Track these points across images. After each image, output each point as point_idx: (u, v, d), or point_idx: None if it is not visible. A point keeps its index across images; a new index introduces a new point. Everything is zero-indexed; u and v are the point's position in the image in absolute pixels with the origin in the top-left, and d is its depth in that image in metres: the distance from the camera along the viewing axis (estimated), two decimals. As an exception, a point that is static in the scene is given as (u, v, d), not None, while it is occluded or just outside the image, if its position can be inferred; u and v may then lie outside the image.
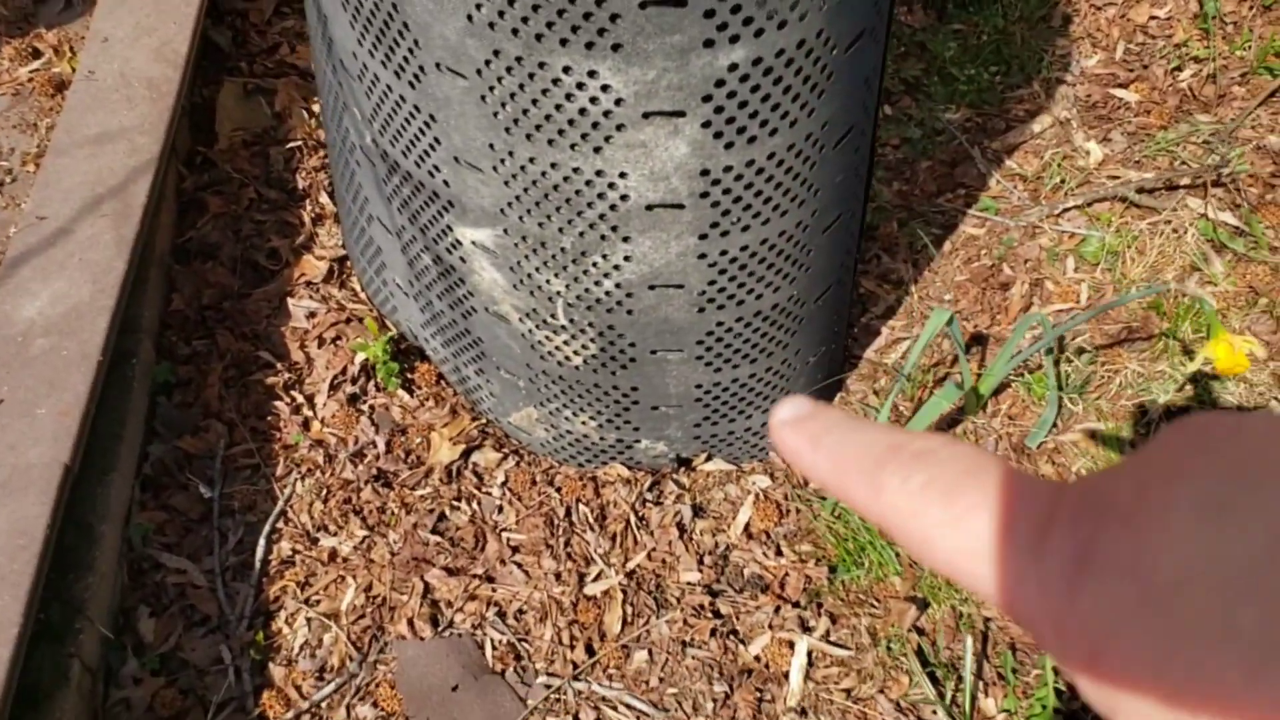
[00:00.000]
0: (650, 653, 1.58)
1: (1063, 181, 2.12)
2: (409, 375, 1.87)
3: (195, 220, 2.04)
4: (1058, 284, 1.96)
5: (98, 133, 1.83)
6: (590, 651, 1.58)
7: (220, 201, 2.06)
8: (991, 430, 1.77)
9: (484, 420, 1.82)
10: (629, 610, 1.61)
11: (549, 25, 1.09)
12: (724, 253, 1.35)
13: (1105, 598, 0.22)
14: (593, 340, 1.50)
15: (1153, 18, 2.40)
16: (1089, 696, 0.23)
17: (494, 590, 1.64)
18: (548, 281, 1.42)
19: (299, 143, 2.17)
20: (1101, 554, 0.22)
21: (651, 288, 1.39)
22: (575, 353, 1.53)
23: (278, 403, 1.81)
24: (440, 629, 1.60)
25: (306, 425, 1.80)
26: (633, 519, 1.69)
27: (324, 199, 2.09)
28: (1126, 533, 0.22)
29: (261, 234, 2.03)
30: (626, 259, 1.35)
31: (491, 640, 1.59)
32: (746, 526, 1.69)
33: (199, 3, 2.06)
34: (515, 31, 1.11)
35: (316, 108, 2.24)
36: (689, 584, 1.63)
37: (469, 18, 1.13)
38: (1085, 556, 0.22)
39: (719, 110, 1.18)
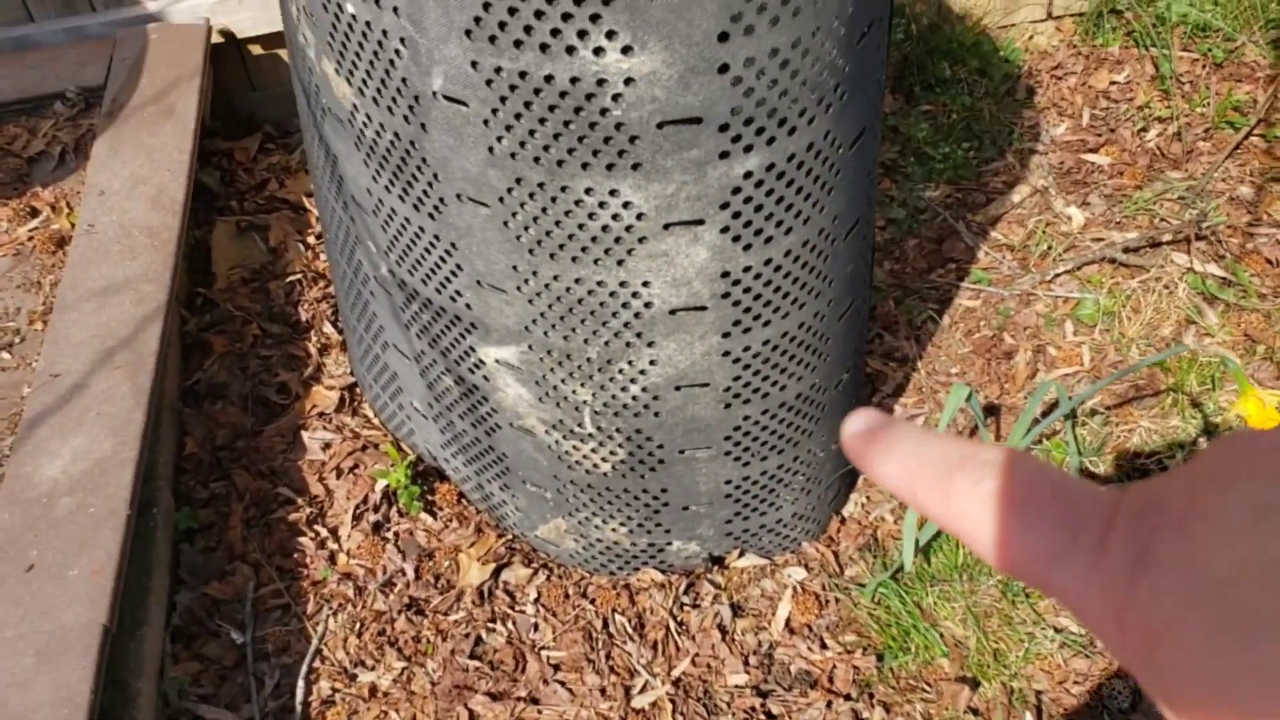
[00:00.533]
0: (705, 759, 1.55)
1: (1049, 248, 2.17)
2: (430, 497, 1.86)
3: (201, 362, 2.04)
4: (1060, 348, 2.00)
5: (103, 285, 1.84)
6: (644, 764, 1.55)
7: (224, 341, 2.07)
8: (1016, 499, 1.78)
9: (510, 536, 1.81)
10: None
11: (570, 151, 1.12)
12: (747, 348, 1.37)
13: (1162, 592, 0.23)
14: (621, 445, 1.50)
15: (1113, 83, 2.49)
16: (1147, 687, 0.24)
17: (540, 712, 1.61)
18: (574, 392, 1.43)
19: (298, 275, 2.19)
20: (1158, 553, 0.23)
21: (678, 388, 1.40)
22: (603, 459, 1.53)
23: (302, 539, 1.80)
24: (489, 755, 1.57)
25: (333, 559, 1.78)
26: (672, 624, 1.68)
27: (328, 328, 2.10)
28: (1181, 534, 0.23)
29: (269, 369, 2.04)
30: (652, 363, 1.37)
31: (542, 762, 1.56)
32: (788, 621, 1.68)
33: (190, 148, 2.10)
34: (537, 159, 1.14)
35: (312, 239, 2.27)
36: (737, 687, 1.62)
37: (490, 150, 1.15)
38: (1143, 556, 0.24)
39: (736, 215, 1.21)
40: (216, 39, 2.41)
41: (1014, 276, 2.13)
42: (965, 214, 2.28)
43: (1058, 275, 2.11)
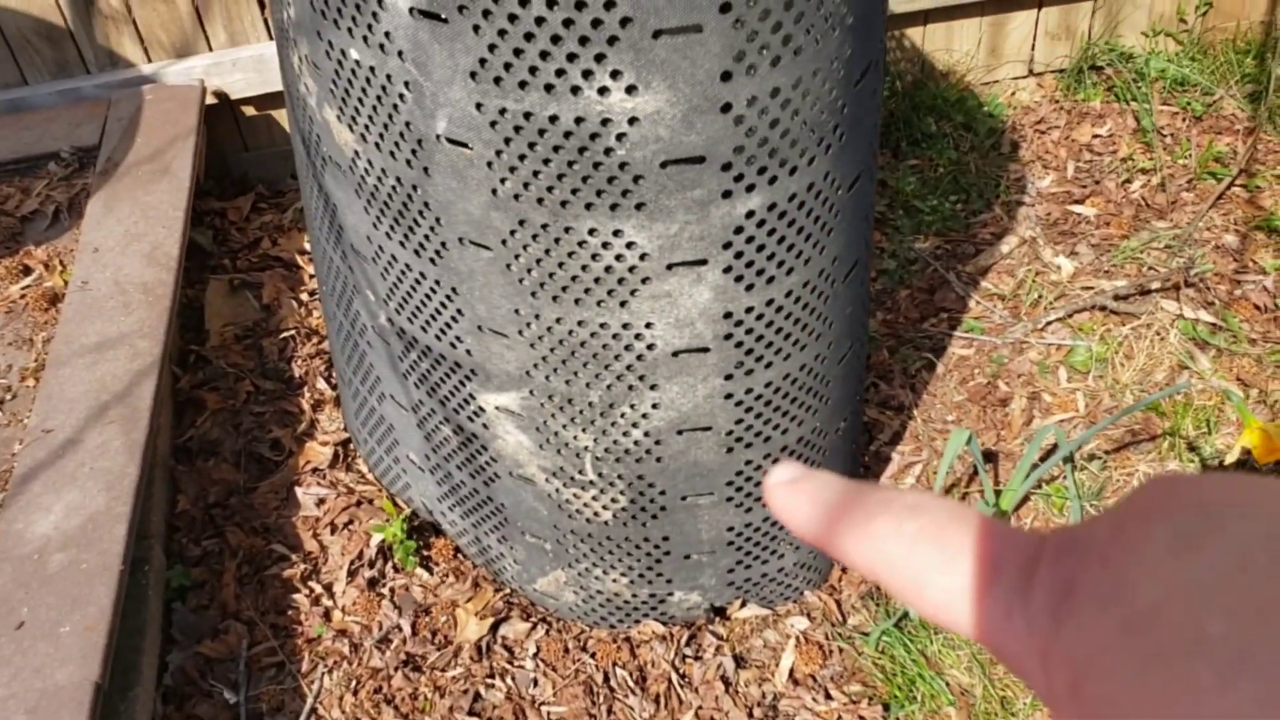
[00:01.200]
0: (711, 814, 1.52)
1: (1040, 296, 2.19)
2: (426, 552, 1.84)
3: (194, 419, 2.02)
4: (1054, 395, 2.00)
5: (97, 341, 1.83)
6: (648, 820, 1.52)
7: (217, 397, 2.06)
8: (1017, 545, 1.77)
9: (508, 590, 1.79)
10: (683, 772, 1.56)
11: (574, 192, 1.13)
12: (749, 391, 1.37)
13: (1087, 627, 0.23)
14: (622, 493, 1.49)
15: (1096, 136, 2.53)
16: None
17: (540, 767, 1.58)
18: (575, 438, 1.42)
19: (291, 332, 2.18)
20: (1083, 589, 0.23)
21: (680, 432, 1.40)
22: (604, 507, 1.52)
23: (296, 595, 1.77)
24: (489, 815, 1.53)
25: (328, 616, 1.75)
26: (674, 677, 1.65)
27: (322, 384, 2.09)
28: (1106, 569, 0.23)
29: (262, 426, 2.02)
30: (655, 406, 1.36)
31: (544, 821, 1.52)
32: (791, 672, 1.65)
33: (186, 204, 2.10)
34: (540, 201, 1.15)
35: (305, 296, 2.27)
36: (741, 737, 1.59)
37: (493, 192, 1.16)
38: (1068, 592, 0.23)
39: (739, 255, 1.21)
40: (211, 100, 2.43)
41: (1006, 325, 2.15)
42: (955, 264, 2.30)
43: (1049, 323, 2.12)
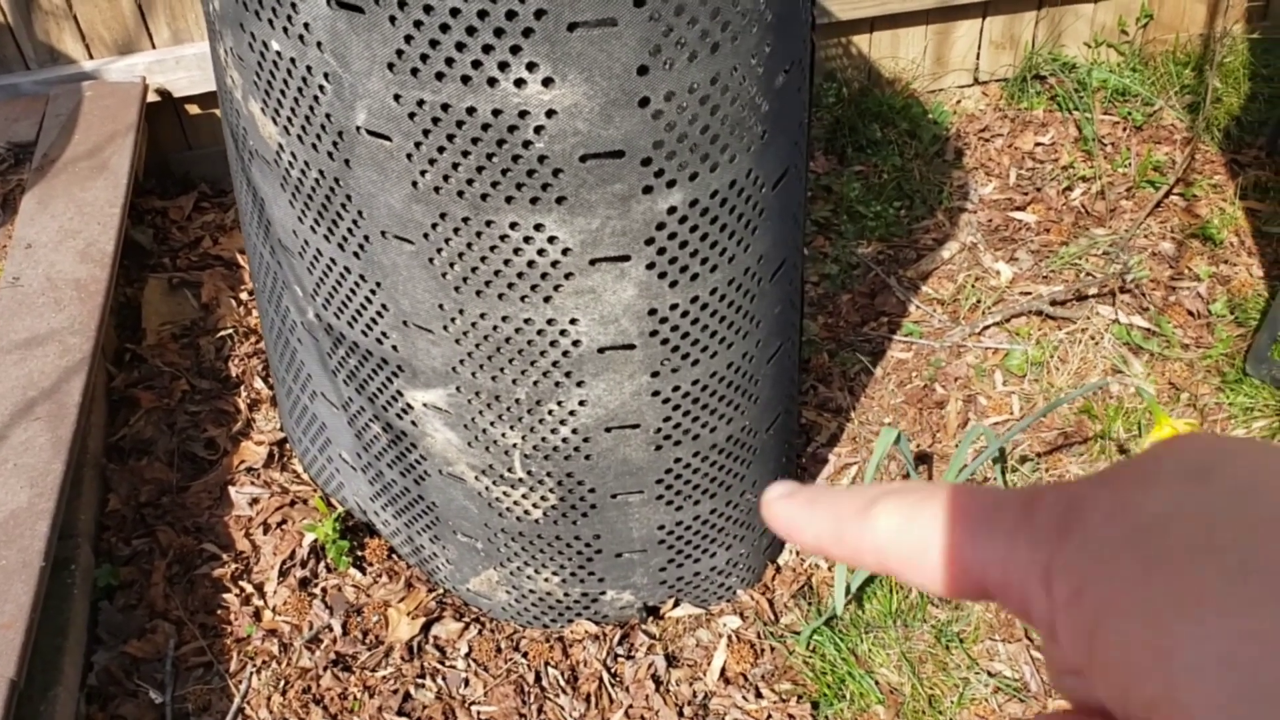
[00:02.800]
0: (639, 814, 1.51)
1: (979, 301, 2.21)
2: (359, 552, 1.83)
3: (128, 417, 2.00)
4: (990, 398, 2.02)
5: (26, 337, 1.80)
6: (577, 820, 1.51)
7: (152, 396, 2.03)
8: (950, 546, 1.78)
9: (441, 590, 1.78)
10: (612, 771, 1.55)
11: (494, 185, 1.13)
12: (677, 388, 1.37)
13: (1092, 538, 0.23)
14: (552, 490, 1.49)
15: (1038, 144, 2.56)
16: (1065, 644, 0.23)
17: (469, 767, 1.57)
18: (503, 435, 1.42)
19: (229, 331, 2.16)
20: (1089, 505, 0.23)
21: (608, 430, 1.40)
22: (534, 505, 1.52)
23: (226, 595, 1.75)
24: (417, 815, 1.52)
25: (258, 615, 1.73)
26: (605, 677, 1.65)
27: (258, 383, 2.07)
28: (1114, 490, 0.23)
29: (197, 425, 2.00)
30: (581, 404, 1.36)
31: (472, 821, 1.51)
32: (723, 671, 1.66)
33: (123, 202, 2.08)
34: (461, 194, 1.15)
35: (244, 295, 2.25)
36: (671, 736, 1.59)
37: (414, 184, 1.16)
38: (1073, 509, 0.23)
39: (661, 251, 1.21)
40: (153, 98, 2.41)
41: (945, 329, 2.17)
42: (897, 269, 2.32)
43: (987, 327, 2.14)
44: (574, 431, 1.40)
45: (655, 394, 1.37)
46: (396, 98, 1.09)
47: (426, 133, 1.10)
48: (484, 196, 1.14)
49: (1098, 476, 0.24)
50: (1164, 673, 0.21)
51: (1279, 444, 0.24)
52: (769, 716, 1.60)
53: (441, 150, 1.11)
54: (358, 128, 1.14)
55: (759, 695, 1.63)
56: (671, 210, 1.18)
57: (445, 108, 1.08)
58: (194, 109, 2.52)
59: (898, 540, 0.26)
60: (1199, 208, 2.38)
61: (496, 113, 1.07)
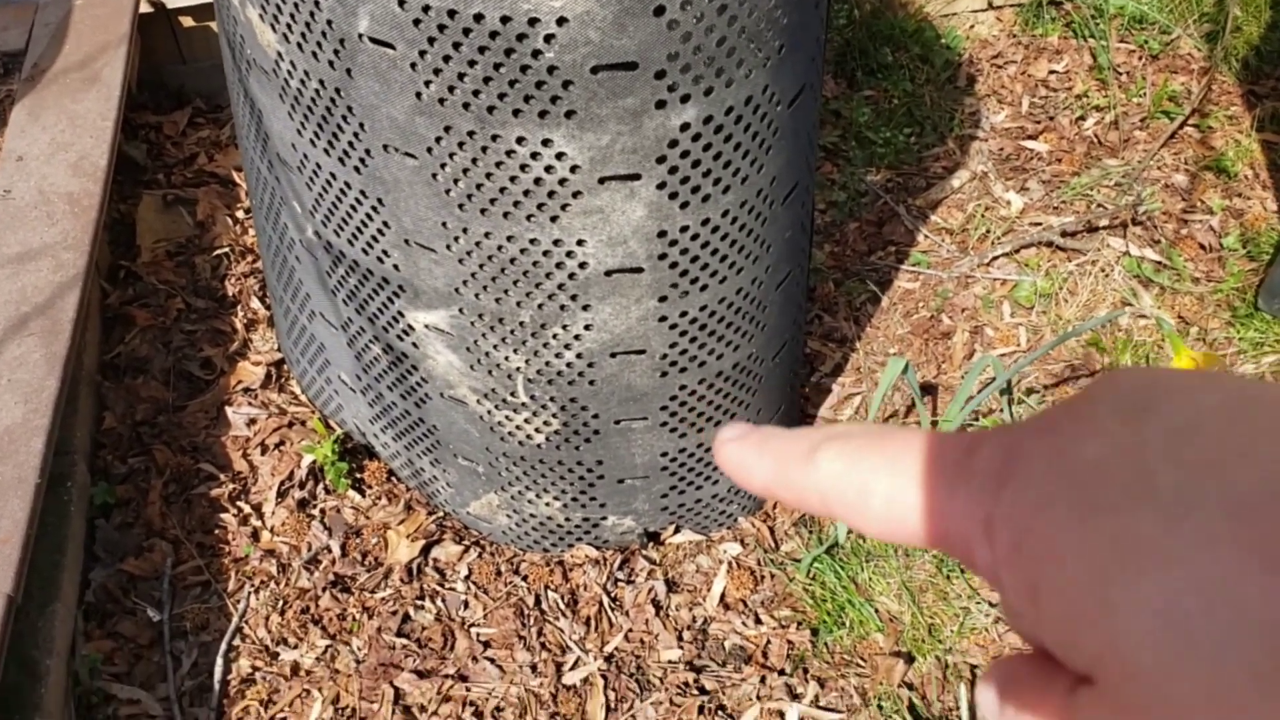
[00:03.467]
0: (638, 737, 1.52)
1: (988, 231, 2.17)
2: (358, 475, 1.81)
3: (123, 335, 1.97)
4: (997, 329, 2.00)
5: (19, 251, 1.77)
6: (575, 742, 1.52)
7: (147, 314, 2.00)
8: (953, 477, 1.77)
9: (441, 514, 1.77)
10: (611, 696, 1.56)
11: (501, 97, 1.09)
12: (684, 314, 1.35)
13: (1030, 486, 0.22)
14: (555, 415, 1.47)
15: (1052, 72, 2.51)
16: (1010, 596, 0.23)
17: (468, 689, 1.57)
18: (506, 359, 1.39)
19: (225, 249, 2.13)
20: (1026, 454, 0.23)
21: (613, 355, 1.37)
22: (537, 430, 1.50)
23: (224, 515, 1.74)
24: (416, 735, 1.52)
25: (256, 536, 1.72)
26: (605, 601, 1.65)
27: (255, 304, 2.04)
28: (1050, 436, 0.23)
29: (193, 344, 1.97)
30: (587, 328, 1.33)
31: (471, 741, 1.52)
32: (722, 597, 1.65)
33: (115, 115, 2.02)
34: (466, 105, 1.10)
35: (241, 213, 2.21)
36: (670, 662, 1.59)
37: (418, 95, 1.12)
38: (1010, 459, 0.23)
39: (673, 170, 1.18)
40: (146, 9, 2.34)
41: (953, 259, 2.13)
42: (906, 198, 2.28)
43: (996, 258, 2.11)
44: (579, 356, 1.38)
45: (662, 319, 1.34)
46: (401, 3, 1.04)
47: (432, 40, 1.06)
48: (490, 109, 1.10)
49: (1036, 420, 0.24)
50: (1106, 627, 0.20)
51: (1217, 375, 0.23)
52: (768, 642, 1.60)
53: (447, 59, 1.07)
54: (360, 35, 1.10)
55: (758, 621, 1.63)
56: (685, 127, 1.14)
57: (451, 14, 1.03)
58: (188, 20, 2.45)
59: (839, 485, 0.26)
60: (1214, 139, 2.34)
61: (505, 20, 1.02)
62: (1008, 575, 0.23)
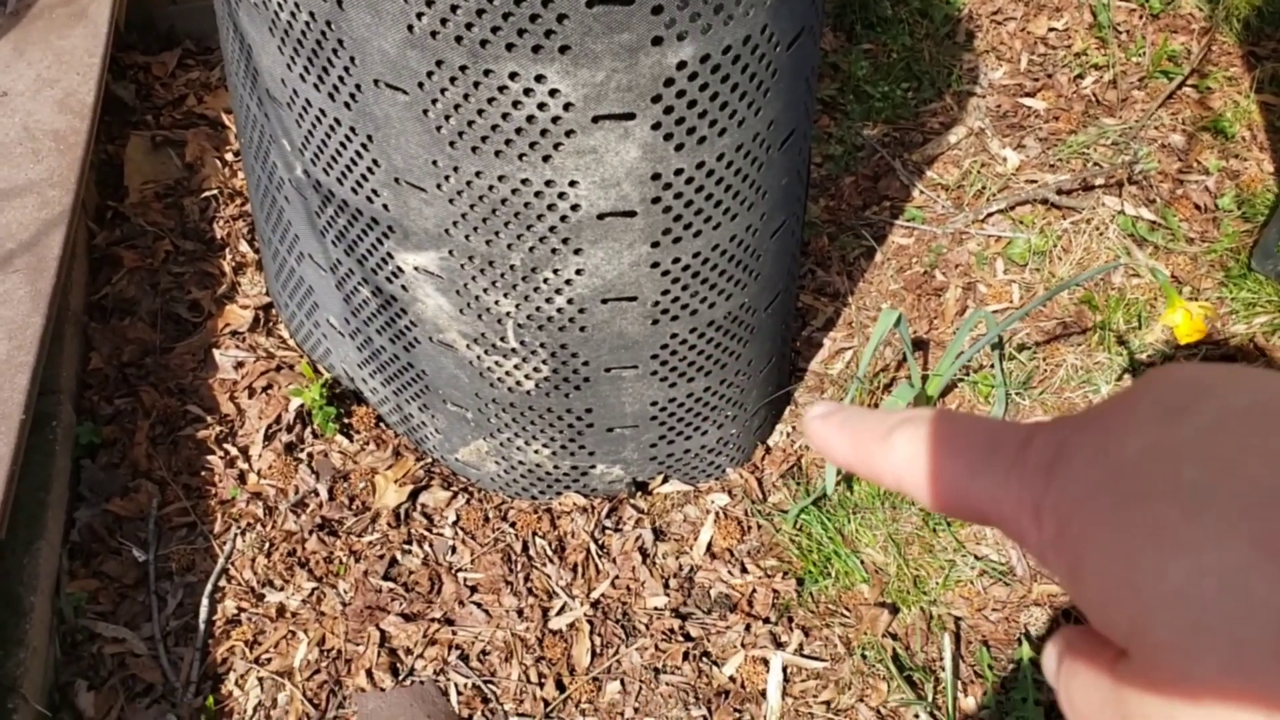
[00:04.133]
0: (623, 683, 1.53)
1: (984, 188, 2.16)
2: (346, 420, 1.81)
3: (110, 276, 1.95)
4: (990, 286, 1.99)
5: (3, 188, 1.74)
6: (561, 687, 1.53)
7: (135, 256, 1.98)
8: (942, 432, 1.77)
9: (429, 460, 1.76)
10: (597, 641, 1.56)
11: (494, 30, 1.07)
12: (677, 260, 1.33)
13: (1076, 479, 0.25)
14: (545, 362, 1.46)
15: (1051, 29, 2.48)
16: (1055, 568, 0.26)
17: (454, 633, 1.57)
18: (496, 303, 1.38)
19: (214, 192, 2.10)
20: (1074, 448, 0.25)
21: (605, 301, 1.36)
22: (527, 376, 1.49)
23: (210, 457, 1.73)
24: (401, 678, 1.53)
25: (243, 478, 1.72)
26: (593, 548, 1.65)
27: (244, 247, 2.02)
28: (1097, 432, 0.25)
29: (181, 286, 1.95)
30: (578, 272, 1.32)
31: (456, 685, 1.53)
32: (709, 546, 1.66)
33: (103, 51, 1.99)
34: (459, 39, 1.09)
35: (230, 156, 2.18)
36: (656, 609, 1.59)
37: (409, 29, 1.10)
38: (1061, 452, 0.26)
39: (669, 111, 1.16)
40: (133, -56, 2.30)
41: (948, 215, 2.12)
42: (902, 153, 2.26)
43: (991, 215, 2.10)
44: (569, 302, 1.36)
45: (655, 265, 1.33)
46: (393, -69, 1.02)
47: (424, -29, 1.04)
48: (483, 43, 1.08)
49: (1084, 416, 0.26)
50: (1133, 605, 0.23)
51: (1252, 376, 0.25)
52: (754, 591, 1.60)
53: (440, -9, 1.05)
54: (351, -36, 1.07)
55: (744, 570, 1.63)
56: (681, 65, 1.12)
57: (445, -57, 1.01)
58: (177, -41, 2.40)
59: (910, 467, 0.30)
60: (1212, 100, 2.32)
61: (500, -49, 1.00)
62: (1053, 558, 0.26)
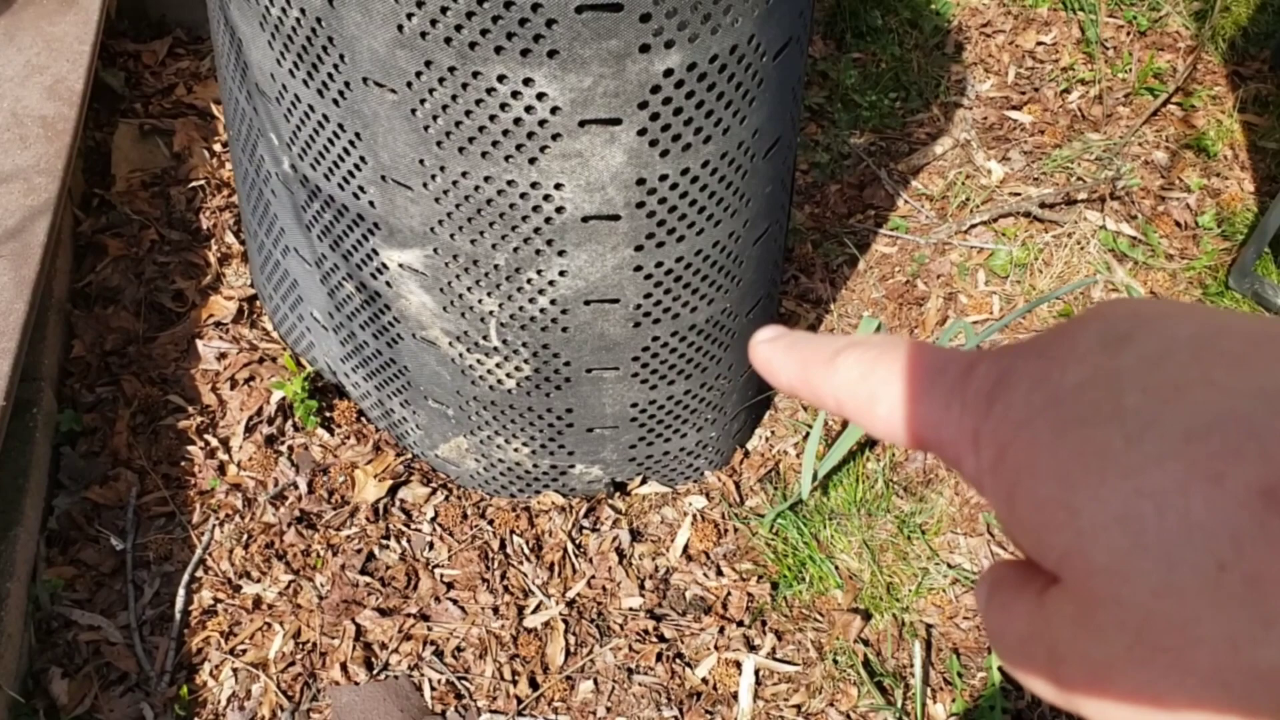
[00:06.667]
0: (596, 682, 1.54)
1: (968, 199, 2.18)
2: (328, 413, 1.81)
3: (94, 264, 1.95)
4: (970, 296, 2.01)
5: (-12, 173, 1.74)
6: (534, 685, 1.53)
7: (120, 244, 1.98)
8: (920, 440, 1.78)
9: (410, 455, 1.77)
10: (571, 640, 1.57)
11: (483, 33, 1.08)
12: (660, 265, 1.35)
13: (1015, 405, 0.25)
14: (526, 361, 1.47)
15: (1040, 43, 2.50)
16: (992, 495, 0.25)
17: (430, 629, 1.58)
18: (480, 301, 1.39)
19: (201, 182, 2.10)
20: (1016, 374, 0.25)
21: (587, 303, 1.37)
22: (508, 375, 1.50)
23: (191, 447, 1.73)
24: (376, 672, 1.54)
25: (222, 469, 1.72)
26: (570, 547, 1.66)
27: (230, 238, 2.03)
28: (1039, 360, 0.25)
29: (165, 276, 1.96)
30: (562, 274, 1.33)
31: (430, 680, 1.53)
32: (686, 548, 1.67)
33: (93, 39, 1.99)
34: (448, 40, 1.09)
35: (218, 146, 2.18)
36: (631, 610, 1.60)
37: (399, 28, 1.10)
38: (1003, 378, 0.26)
39: (655, 117, 1.17)
40: (126, -69, 2.29)
41: (931, 225, 2.14)
42: (888, 162, 2.28)
43: (974, 226, 2.12)
44: (552, 302, 1.37)
45: (638, 269, 1.34)
46: (385, -68, 1.03)
47: (415, -28, 1.05)
48: (472, 45, 1.09)
49: (1029, 344, 0.26)
50: (1071, 529, 0.23)
51: (1195, 307, 0.25)
52: (728, 594, 1.62)
53: (430, -7, 1.06)
54: (343, -37, 1.08)
55: (720, 573, 1.64)
56: (668, 73, 1.14)
57: (436, -54, 1.02)
58: (170, -53, 2.40)
59: (853, 390, 0.29)
60: (1196, 118, 2.35)
61: (490, -45, 1.01)
62: (990, 483, 0.25)
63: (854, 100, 2.39)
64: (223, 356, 1.86)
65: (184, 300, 1.93)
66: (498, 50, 1.09)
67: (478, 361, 1.49)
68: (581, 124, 1.16)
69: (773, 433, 1.82)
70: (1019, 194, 2.19)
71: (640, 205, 1.26)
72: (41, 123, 1.85)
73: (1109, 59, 2.48)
